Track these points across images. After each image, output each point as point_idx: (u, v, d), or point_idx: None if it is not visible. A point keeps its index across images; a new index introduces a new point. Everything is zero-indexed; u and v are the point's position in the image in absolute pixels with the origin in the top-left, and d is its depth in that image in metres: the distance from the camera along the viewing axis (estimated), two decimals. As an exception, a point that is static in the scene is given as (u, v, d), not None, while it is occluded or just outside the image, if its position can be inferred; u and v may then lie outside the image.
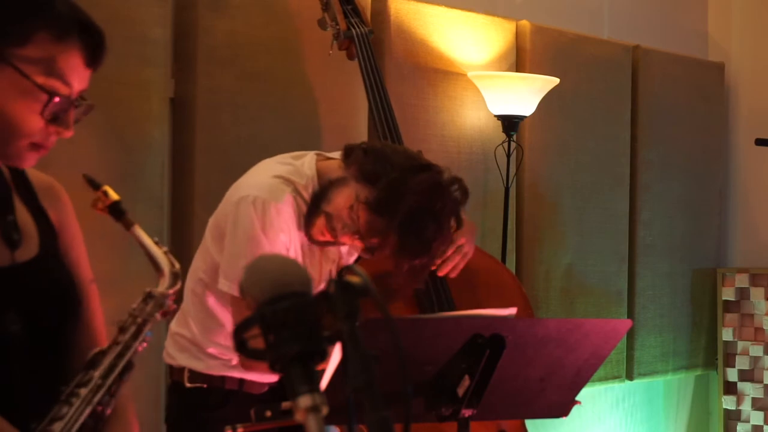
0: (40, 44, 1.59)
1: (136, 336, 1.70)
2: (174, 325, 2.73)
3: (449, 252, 2.83)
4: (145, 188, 3.10)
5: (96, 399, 1.66)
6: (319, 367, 1.24)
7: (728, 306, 4.96)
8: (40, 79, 1.59)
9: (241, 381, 2.70)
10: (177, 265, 1.76)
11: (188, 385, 2.69)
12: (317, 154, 2.67)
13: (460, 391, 2.29)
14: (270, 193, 2.54)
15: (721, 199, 5.12)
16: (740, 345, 4.93)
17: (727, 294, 4.96)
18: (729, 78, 5.16)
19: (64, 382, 1.68)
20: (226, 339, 2.64)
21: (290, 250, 2.57)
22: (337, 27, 3.11)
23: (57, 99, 1.60)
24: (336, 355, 1.89)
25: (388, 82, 3.69)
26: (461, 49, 3.94)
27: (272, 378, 2.71)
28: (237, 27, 3.31)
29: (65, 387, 1.66)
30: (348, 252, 2.76)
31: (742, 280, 4.93)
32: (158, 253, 1.75)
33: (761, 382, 4.88)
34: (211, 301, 2.65)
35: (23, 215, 1.72)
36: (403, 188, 2.45)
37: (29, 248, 1.70)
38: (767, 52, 5.14)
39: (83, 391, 1.65)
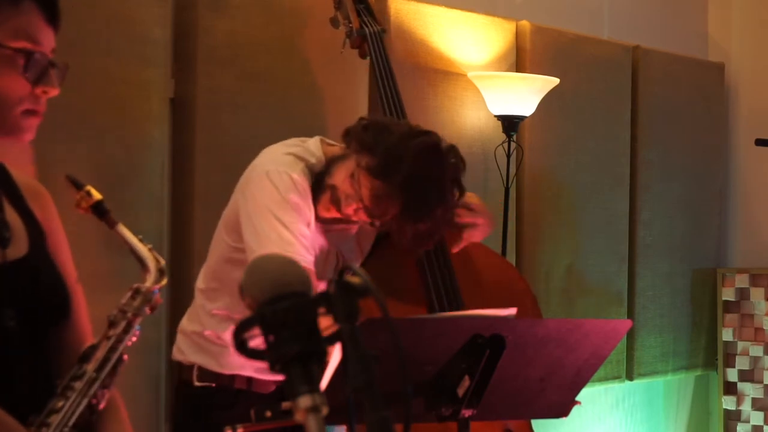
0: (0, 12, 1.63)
1: (127, 330, 1.75)
2: (187, 323, 2.74)
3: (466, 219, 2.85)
4: (145, 188, 3.10)
5: (91, 392, 1.70)
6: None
7: (728, 306, 4.96)
8: (11, 44, 1.63)
9: (250, 380, 2.71)
10: (162, 261, 1.81)
11: (197, 384, 2.69)
12: (321, 139, 2.71)
13: (460, 391, 2.29)
14: (285, 165, 2.58)
15: (721, 199, 5.11)
16: (740, 345, 4.93)
17: (727, 294, 4.96)
18: (729, 78, 5.16)
19: (55, 377, 1.71)
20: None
21: (310, 224, 2.59)
22: (350, 25, 3.11)
23: (33, 57, 1.64)
24: (336, 355, 1.90)
25: (388, 82, 3.70)
26: (461, 49, 3.94)
27: (280, 376, 2.71)
28: (237, 27, 3.30)
29: (60, 381, 1.70)
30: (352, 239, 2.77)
31: (742, 281, 4.93)
32: (143, 250, 1.80)
33: (761, 382, 4.88)
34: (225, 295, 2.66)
35: (11, 215, 1.75)
36: (401, 151, 2.50)
37: (19, 247, 1.73)
38: (767, 52, 5.14)
39: (78, 385, 1.69)
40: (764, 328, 4.86)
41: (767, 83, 5.13)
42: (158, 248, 3.02)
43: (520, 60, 4.16)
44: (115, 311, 1.76)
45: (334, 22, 3.18)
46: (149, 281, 1.78)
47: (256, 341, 1.25)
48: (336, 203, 2.58)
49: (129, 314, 1.75)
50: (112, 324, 1.75)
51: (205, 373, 2.70)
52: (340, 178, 2.57)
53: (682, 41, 5.07)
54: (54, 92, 1.69)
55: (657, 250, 4.73)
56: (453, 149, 2.59)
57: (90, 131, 2.93)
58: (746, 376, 4.92)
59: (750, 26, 5.20)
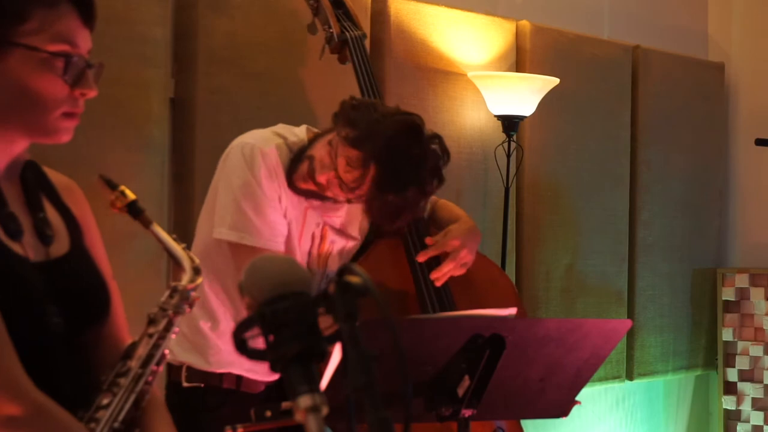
0: (37, 17, 1.64)
1: (168, 328, 1.78)
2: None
3: (441, 249, 2.85)
4: (145, 188, 3.10)
5: (138, 388, 1.73)
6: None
7: (728, 306, 4.96)
8: (50, 48, 1.65)
9: (239, 380, 2.71)
10: (197, 260, 1.83)
11: (185, 384, 2.69)
12: (307, 127, 2.77)
13: (460, 391, 2.29)
14: (258, 140, 2.65)
15: (721, 199, 5.11)
16: (740, 345, 4.93)
17: (727, 294, 4.96)
18: (729, 78, 5.16)
19: (95, 374, 1.74)
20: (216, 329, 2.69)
21: (282, 199, 2.63)
22: (331, 30, 3.09)
23: (72, 60, 1.66)
24: (336, 355, 1.90)
25: (388, 82, 3.69)
26: (461, 49, 3.94)
27: (269, 376, 2.72)
28: (237, 27, 3.30)
29: (104, 377, 1.73)
30: (334, 215, 2.79)
31: (742, 280, 4.93)
32: (178, 249, 1.83)
33: (761, 382, 4.88)
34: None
35: (51, 213, 1.78)
36: (381, 125, 2.53)
37: (61, 244, 1.76)
38: (767, 52, 5.14)
39: (124, 381, 1.72)
40: (764, 328, 4.86)
41: (767, 83, 5.12)
42: (158, 248, 3.05)
43: (520, 60, 4.16)
44: (155, 309, 1.79)
45: (311, 28, 3.16)
46: (185, 280, 1.81)
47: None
48: (311, 172, 2.59)
49: (169, 312, 1.78)
50: (152, 322, 1.78)
51: (193, 374, 2.70)
52: (319, 147, 2.61)
53: (682, 41, 5.07)
54: (92, 94, 1.71)
55: (657, 250, 4.73)
56: (437, 137, 2.61)
57: (90, 131, 2.93)
58: (746, 376, 4.92)
59: (750, 26, 5.19)
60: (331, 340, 1.25)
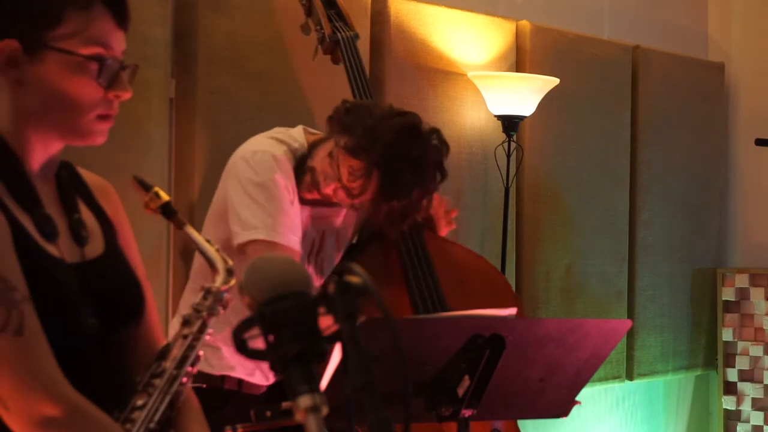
0: (72, 20, 1.66)
1: (202, 329, 1.78)
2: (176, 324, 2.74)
3: (445, 210, 2.88)
4: (145, 188, 3.09)
5: (173, 389, 1.73)
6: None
7: (728, 306, 4.96)
8: (84, 51, 1.66)
9: (240, 381, 2.72)
10: (230, 262, 1.82)
11: None
12: (304, 128, 2.76)
13: (460, 391, 2.29)
14: (267, 146, 2.65)
15: (721, 199, 5.11)
16: (740, 345, 4.93)
17: (727, 294, 4.96)
18: (729, 78, 5.16)
19: (130, 374, 1.75)
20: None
21: (294, 202, 2.62)
22: (322, 31, 3.09)
23: (106, 63, 1.68)
24: (336, 355, 1.90)
25: (388, 82, 3.69)
26: (461, 49, 3.94)
27: (269, 380, 2.73)
28: (237, 27, 3.30)
29: (138, 378, 1.73)
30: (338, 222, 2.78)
31: (742, 280, 4.93)
32: (211, 251, 1.82)
33: (761, 382, 4.88)
34: None
35: (86, 214, 1.78)
36: (378, 131, 2.52)
37: (96, 246, 1.76)
38: (767, 52, 5.14)
39: (158, 382, 1.72)
40: (764, 328, 4.86)
41: (767, 83, 5.12)
42: (159, 248, 3.05)
43: (520, 60, 4.16)
44: (189, 311, 1.79)
45: (304, 29, 3.16)
46: (218, 281, 1.80)
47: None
48: (316, 185, 2.60)
49: (203, 313, 1.78)
50: (186, 323, 1.78)
51: (196, 374, 2.71)
52: (320, 157, 2.61)
53: (682, 41, 5.07)
54: (126, 95, 1.74)
55: (657, 250, 4.73)
56: (435, 132, 2.61)
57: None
58: (746, 376, 4.92)
59: (750, 26, 5.19)
60: (331, 340, 1.25)
